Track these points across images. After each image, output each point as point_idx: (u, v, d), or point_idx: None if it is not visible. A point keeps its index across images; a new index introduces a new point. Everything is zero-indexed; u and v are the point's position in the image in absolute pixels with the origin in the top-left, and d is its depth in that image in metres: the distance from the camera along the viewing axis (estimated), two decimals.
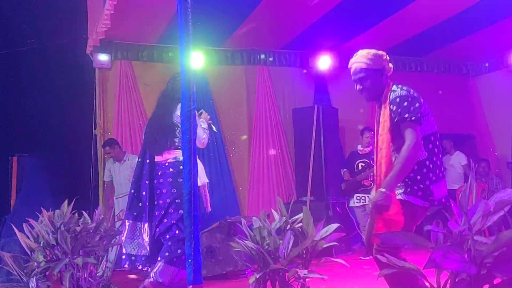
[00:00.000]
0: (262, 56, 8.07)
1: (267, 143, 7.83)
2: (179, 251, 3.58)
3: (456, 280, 1.74)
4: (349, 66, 2.96)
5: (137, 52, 7.44)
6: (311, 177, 7.04)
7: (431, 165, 2.74)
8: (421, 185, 2.71)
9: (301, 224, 3.18)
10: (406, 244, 1.76)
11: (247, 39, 7.64)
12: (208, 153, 7.42)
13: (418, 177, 2.72)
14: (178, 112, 3.85)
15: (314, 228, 3.07)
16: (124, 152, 6.78)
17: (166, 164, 3.85)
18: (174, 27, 6.74)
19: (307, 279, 2.98)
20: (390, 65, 2.93)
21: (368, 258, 6.37)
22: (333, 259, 3.29)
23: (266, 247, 3.07)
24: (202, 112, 4.29)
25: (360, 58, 2.89)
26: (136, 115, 7.27)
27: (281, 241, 3.05)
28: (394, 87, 2.85)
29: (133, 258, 3.79)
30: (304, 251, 3.06)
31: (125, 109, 7.22)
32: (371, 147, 6.94)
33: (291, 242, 3.06)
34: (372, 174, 6.74)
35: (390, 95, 2.81)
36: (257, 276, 2.96)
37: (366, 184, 6.75)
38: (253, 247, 3.07)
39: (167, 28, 6.93)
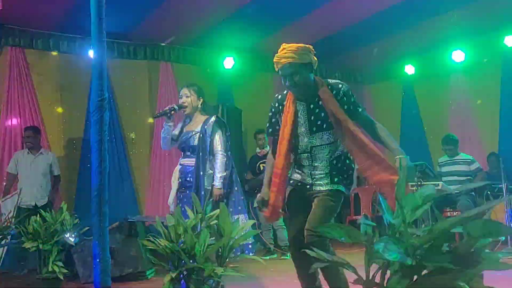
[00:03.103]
0: (166, 52, 7.87)
1: None
2: None
3: (387, 271, 1.78)
4: (275, 60, 2.83)
5: (31, 39, 6.89)
6: None
7: (351, 157, 2.90)
8: (346, 175, 2.86)
9: (216, 221, 3.12)
10: (342, 237, 1.77)
11: (150, 34, 7.42)
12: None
13: (345, 168, 2.85)
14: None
15: (230, 225, 3.02)
16: (41, 146, 6.40)
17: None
18: (73, 15, 6.45)
19: (222, 277, 2.93)
20: (315, 58, 2.87)
21: (268, 258, 6.45)
22: (248, 256, 3.28)
23: (181, 245, 2.96)
24: None
25: (288, 53, 2.76)
26: (28, 106, 6.73)
27: (197, 239, 2.97)
28: (330, 80, 2.89)
29: None
30: (220, 249, 3.00)
31: (15, 100, 6.66)
32: (268, 147, 7.08)
33: (207, 239, 2.99)
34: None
35: (329, 88, 2.83)
36: (173, 275, 2.85)
37: None
38: (167, 245, 2.95)
39: (66, 16, 6.54)
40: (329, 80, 2.91)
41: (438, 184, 6.23)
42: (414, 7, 6.63)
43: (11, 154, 6.51)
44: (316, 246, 2.68)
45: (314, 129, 2.85)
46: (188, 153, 4.19)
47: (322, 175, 2.84)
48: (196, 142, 4.13)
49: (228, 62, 8.12)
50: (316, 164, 2.86)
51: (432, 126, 8.56)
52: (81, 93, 6.94)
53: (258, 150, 7.19)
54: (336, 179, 2.82)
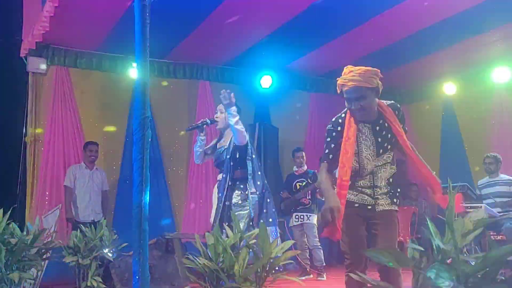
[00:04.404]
0: (205, 71, 7.97)
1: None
2: None
3: None
4: (341, 83, 2.74)
5: (75, 58, 7.11)
6: None
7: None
8: (398, 194, 2.89)
9: (255, 240, 3.09)
10: (390, 261, 1.72)
11: (190, 53, 7.53)
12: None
13: (396, 185, 2.87)
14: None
15: (270, 245, 2.99)
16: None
17: None
18: (115, 35, 6.61)
19: None
20: (380, 82, 2.80)
21: (304, 278, 6.36)
22: (287, 277, 3.23)
23: (220, 264, 2.95)
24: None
25: (356, 76, 2.67)
26: (71, 124, 6.92)
27: (236, 258, 2.95)
28: (385, 102, 2.86)
29: None
30: (259, 269, 2.98)
31: (59, 117, 6.85)
32: (305, 166, 7.01)
33: (247, 259, 2.97)
34: (309, 192, 6.78)
35: (391, 109, 2.83)
36: None
37: (305, 202, 6.77)
38: (207, 264, 2.95)
39: (109, 36, 6.71)
40: (384, 101, 2.87)
41: (481, 207, 6.04)
42: (454, 25, 6.50)
43: (54, 169, 6.67)
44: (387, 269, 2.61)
45: (381, 151, 2.80)
46: (222, 169, 4.39)
47: (382, 195, 2.82)
48: (224, 157, 4.32)
49: (266, 81, 8.15)
50: (377, 184, 2.81)
51: (473, 147, 8.33)
52: (121, 111, 7.11)
53: (295, 168, 7.12)
54: (395, 199, 2.84)
